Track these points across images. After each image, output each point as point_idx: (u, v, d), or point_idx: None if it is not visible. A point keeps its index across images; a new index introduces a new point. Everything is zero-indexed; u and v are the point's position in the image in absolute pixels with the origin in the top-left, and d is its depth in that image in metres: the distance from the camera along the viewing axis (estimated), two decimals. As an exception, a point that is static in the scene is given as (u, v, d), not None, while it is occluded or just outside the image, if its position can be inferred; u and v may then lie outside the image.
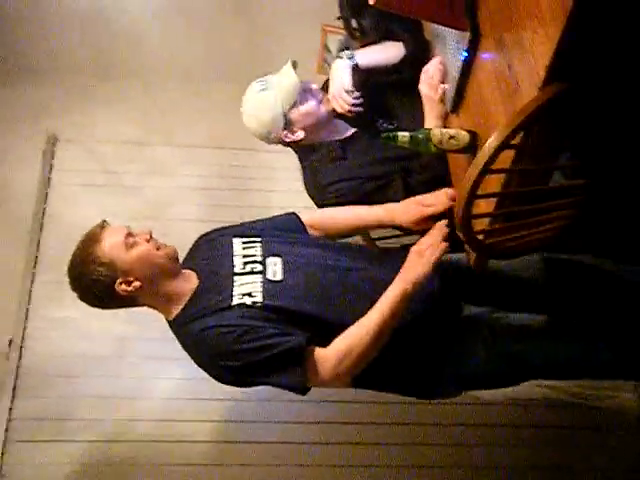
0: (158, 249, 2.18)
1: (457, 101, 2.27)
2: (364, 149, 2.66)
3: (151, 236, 2.19)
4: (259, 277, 2.16)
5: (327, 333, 2.07)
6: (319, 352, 2.04)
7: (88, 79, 4.30)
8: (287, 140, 2.69)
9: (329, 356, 2.03)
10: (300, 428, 3.41)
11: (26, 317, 3.62)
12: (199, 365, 2.15)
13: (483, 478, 3.31)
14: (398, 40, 2.77)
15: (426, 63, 2.49)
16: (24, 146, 4.11)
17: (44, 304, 3.65)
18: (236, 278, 2.16)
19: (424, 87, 2.48)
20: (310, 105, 2.66)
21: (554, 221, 1.91)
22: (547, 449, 3.33)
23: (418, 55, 2.67)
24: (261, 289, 2.12)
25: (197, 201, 4.00)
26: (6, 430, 3.35)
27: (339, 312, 2.14)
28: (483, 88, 2.04)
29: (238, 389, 2.37)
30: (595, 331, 2.28)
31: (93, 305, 2.20)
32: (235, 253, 2.24)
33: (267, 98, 2.63)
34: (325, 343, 2.06)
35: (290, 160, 2.86)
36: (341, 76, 2.67)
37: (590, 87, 1.66)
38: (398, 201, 2.43)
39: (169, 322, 2.20)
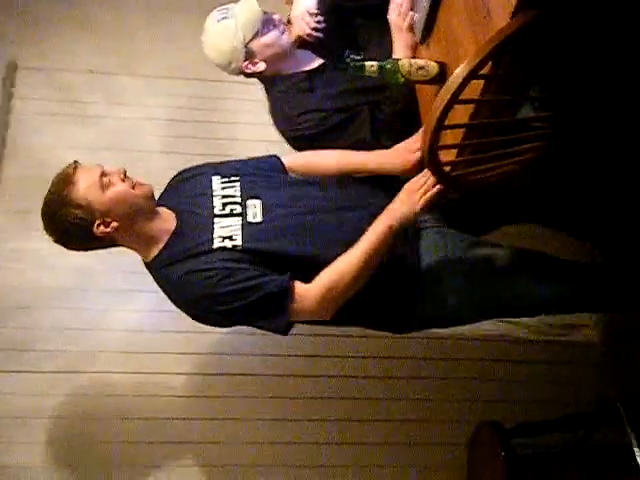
0: (134, 188, 2.13)
1: (426, 32, 2.22)
2: (332, 80, 2.62)
3: (125, 175, 2.14)
4: (239, 219, 2.15)
5: (309, 271, 2.08)
6: (302, 287, 2.06)
7: (50, 5, 4.18)
8: (248, 71, 2.64)
9: (313, 291, 2.06)
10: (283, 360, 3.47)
11: (-15, 248, 3.57)
12: (179, 307, 2.16)
13: (448, 411, 3.40)
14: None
15: None
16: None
17: (4, 235, 3.60)
18: (216, 220, 2.15)
19: (393, 15, 2.44)
20: (272, 36, 2.59)
21: (520, 154, 1.90)
22: (511, 384, 3.42)
23: None
24: (241, 232, 2.12)
25: (161, 132, 3.94)
26: (-33, 361, 3.34)
27: (321, 251, 2.14)
28: (453, 18, 2.01)
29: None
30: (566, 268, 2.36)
31: (70, 248, 2.19)
32: (215, 193, 2.22)
33: (227, 27, 2.57)
34: (307, 281, 2.07)
35: (256, 92, 2.81)
36: None
37: (560, 16, 1.63)
38: (364, 134, 2.43)
39: (146, 264, 2.19)
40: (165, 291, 2.16)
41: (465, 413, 3.35)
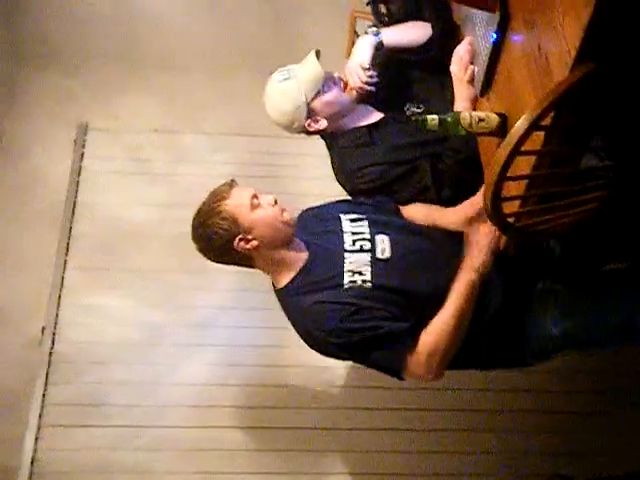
0: (282, 214, 2.27)
1: (486, 84, 2.25)
2: (392, 134, 2.63)
3: (276, 202, 2.28)
4: (368, 255, 2.26)
5: (429, 308, 2.18)
6: (413, 345, 2.14)
7: (117, 68, 4.32)
8: (311, 129, 2.68)
9: (420, 351, 2.14)
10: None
11: (58, 304, 3.65)
12: (301, 335, 2.26)
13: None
14: (426, 21, 2.75)
15: (455, 46, 2.48)
16: (56, 134, 4.14)
17: (76, 291, 3.69)
18: (346, 255, 2.26)
19: (454, 67, 2.48)
20: (333, 94, 2.63)
21: (585, 203, 1.89)
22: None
23: (446, 37, 2.65)
24: (370, 268, 2.22)
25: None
26: (40, 416, 3.41)
27: (438, 289, 2.21)
28: (513, 70, 2.03)
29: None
30: None
31: (210, 257, 2.30)
32: (344, 229, 2.34)
33: (289, 88, 2.62)
34: (426, 319, 2.17)
35: (319, 146, 2.83)
36: (361, 52, 2.66)
37: (620, 67, 1.64)
38: (426, 185, 2.45)
39: (277, 290, 2.31)
40: (290, 316, 2.28)
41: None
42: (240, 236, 2.19)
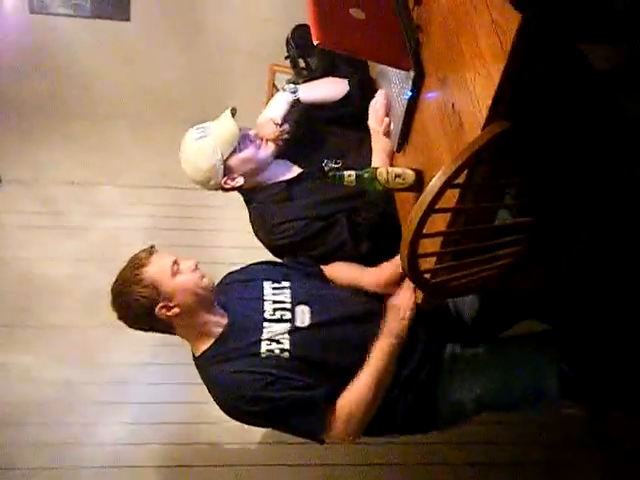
0: (202, 279, 2.24)
1: (403, 140, 2.27)
2: (311, 189, 2.64)
3: (196, 266, 2.26)
4: (287, 325, 2.24)
5: (344, 378, 2.19)
6: (331, 410, 2.14)
7: (34, 120, 4.26)
8: (227, 187, 2.66)
9: (338, 415, 2.14)
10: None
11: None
12: (219, 404, 2.22)
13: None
14: (343, 77, 2.78)
15: (371, 100, 2.50)
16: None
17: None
18: (266, 324, 2.24)
19: (372, 121, 2.50)
20: (249, 151, 2.62)
21: (500, 259, 1.90)
22: None
23: (362, 92, 2.68)
24: (289, 337, 2.21)
25: (145, 241, 3.92)
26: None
27: (355, 361, 2.21)
28: (428, 127, 2.05)
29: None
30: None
31: (130, 324, 2.25)
32: (266, 297, 2.32)
33: (205, 146, 2.60)
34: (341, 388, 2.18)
35: (237, 198, 2.81)
36: (275, 107, 2.68)
37: (532, 125, 1.66)
38: (344, 239, 2.45)
39: (195, 357, 2.27)
40: (208, 385, 2.23)
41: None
42: (161, 304, 2.16)
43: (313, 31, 2.02)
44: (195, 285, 2.21)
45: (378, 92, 2.49)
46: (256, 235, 2.69)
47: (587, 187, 1.94)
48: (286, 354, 2.17)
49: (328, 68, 2.96)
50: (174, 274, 2.19)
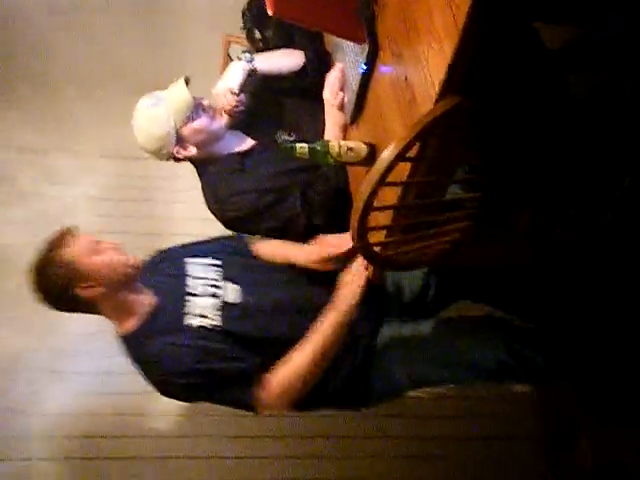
0: (123, 258, 2.21)
1: (356, 113, 2.28)
2: (264, 161, 2.64)
3: (116, 246, 2.23)
4: (216, 300, 2.23)
5: (280, 352, 2.16)
6: (266, 380, 2.11)
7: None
8: (179, 156, 2.66)
9: (273, 385, 2.11)
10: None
11: None
12: (149, 381, 2.19)
13: None
14: (299, 49, 2.77)
15: (327, 72, 2.50)
16: None
17: None
18: (191, 298, 2.22)
19: (326, 93, 2.50)
20: (202, 121, 2.61)
21: (450, 233, 1.92)
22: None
23: (318, 64, 2.67)
24: (217, 311, 2.20)
25: (97, 211, 3.93)
26: None
27: (291, 334, 2.19)
28: (381, 101, 2.06)
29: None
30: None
31: (53, 306, 2.20)
32: (188, 273, 2.31)
33: (158, 114, 2.58)
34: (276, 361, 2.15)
35: (192, 169, 2.80)
36: (231, 76, 2.65)
37: (484, 101, 1.68)
38: (297, 212, 2.47)
39: (121, 336, 2.22)
40: (136, 362, 2.19)
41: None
42: (83, 284, 2.13)
43: (268, 2, 2.01)
44: (115, 264, 2.18)
45: (335, 65, 2.49)
46: (208, 207, 2.68)
47: (534, 162, 1.97)
48: (217, 328, 2.17)
49: (284, 40, 2.94)
50: (93, 254, 2.16)
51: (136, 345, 2.18)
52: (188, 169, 2.79)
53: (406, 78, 1.83)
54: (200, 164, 2.71)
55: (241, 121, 2.71)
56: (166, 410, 3.37)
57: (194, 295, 2.23)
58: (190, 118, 2.58)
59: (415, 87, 1.78)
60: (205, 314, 2.18)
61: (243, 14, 3.33)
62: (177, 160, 2.69)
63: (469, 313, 2.50)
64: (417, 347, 2.33)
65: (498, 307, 2.45)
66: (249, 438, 3.35)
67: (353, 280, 2.20)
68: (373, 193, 1.65)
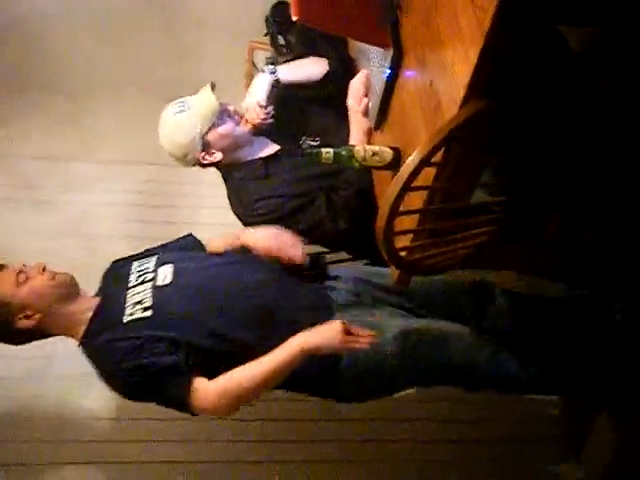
0: (53, 279, 2.22)
1: (381, 118, 2.28)
2: (289, 167, 2.65)
3: (44, 268, 2.23)
4: (149, 285, 2.22)
5: (219, 341, 2.12)
6: (202, 383, 2.06)
7: (7, 92, 4.21)
8: (205, 162, 2.67)
9: (211, 391, 2.05)
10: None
11: None
12: (105, 381, 2.15)
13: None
14: (323, 56, 2.78)
15: (351, 79, 2.51)
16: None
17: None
18: (129, 291, 2.23)
19: (350, 100, 2.51)
20: (228, 127, 2.64)
21: (475, 237, 1.92)
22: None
23: (342, 71, 2.68)
24: (151, 295, 2.18)
25: (120, 217, 3.95)
26: None
27: (225, 320, 2.16)
28: (406, 105, 2.06)
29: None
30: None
31: (7, 343, 2.24)
32: (131, 272, 2.30)
33: (184, 120, 2.61)
34: (214, 352, 2.11)
35: (217, 175, 2.81)
36: (258, 90, 2.67)
37: (509, 104, 1.68)
38: (321, 217, 2.50)
39: (79, 345, 2.22)
40: (94, 366, 2.16)
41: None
42: (19, 315, 2.15)
43: (292, 7, 2.03)
44: (47, 286, 2.19)
45: (360, 71, 2.50)
46: (233, 212, 2.70)
47: (562, 166, 1.96)
48: (148, 312, 2.13)
49: (307, 46, 2.96)
50: (20, 284, 2.17)
51: (87, 347, 2.18)
52: (213, 175, 2.80)
53: (431, 83, 1.83)
54: (225, 169, 2.72)
55: (266, 128, 2.72)
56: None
57: (132, 287, 2.23)
58: (216, 124, 2.61)
59: (440, 92, 1.78)
60: (139, 299, 2.17)
61: (267, 20, 3.35)
62: (203, 166, 2.71)
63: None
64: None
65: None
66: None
67: (351, 338, 2.04)
68: (399, 197, 1.65)
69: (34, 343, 2.28)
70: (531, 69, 1.71)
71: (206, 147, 2.62)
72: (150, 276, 2.25)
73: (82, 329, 2.19)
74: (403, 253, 1.88)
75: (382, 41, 2.13)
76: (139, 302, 2.16)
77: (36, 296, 2.17)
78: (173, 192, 4.01)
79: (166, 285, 2.21)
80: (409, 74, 2.04)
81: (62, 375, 3.29)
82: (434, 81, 1.82)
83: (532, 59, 1.69)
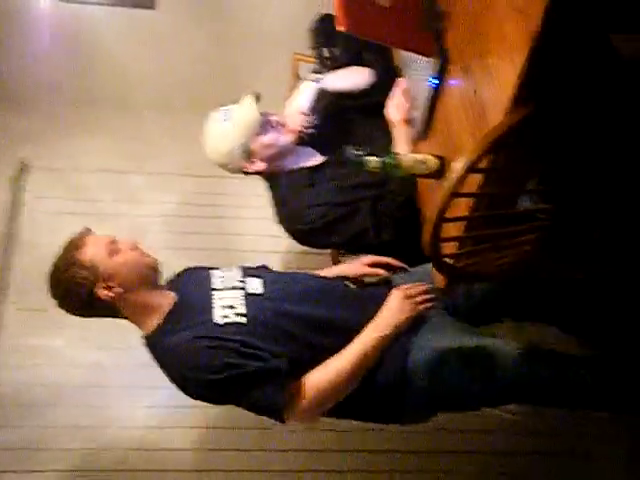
0: (142, 257, 2.21)
1: (426, 127, 2.28)
2: (333, 176, 2.66)
3: (136, 245, 2.22)
4: (240, 292, 2.19)
5: (309, 351, 2.11)
6: (296, 385, 2.04)
7: (61, 106, 4.30)
8: (248, 171, 2.70)
9: (306, 391, 2.04)
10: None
11: (-2, 345, 3.56)
12: (171, 378, 2.13)
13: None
14: (368, 66, 2.80)
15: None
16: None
17: (16, 332, 3.61)
18: (215, 293, 2.19)
19: (391, 110, 2.53)
20: (270, 136, 2.66)
21: (521, 245, 1.92)
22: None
23: (387, 81, 2.69)
24: (243, 301, 2.15)
25: (170, 229, 4.01)
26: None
27: (327, 314, 2.18)
28: (451, 114, 2.07)
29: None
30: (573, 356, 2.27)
31: (72, 311, 2.19)
32: (212, 276, 2.27)
33: (227, 129, 2.63)
34: (304, 359, 2.09)
35: (261, 186, 2.84)
36: (301, 98, 2.70)
37: (555, 112, 1.67)
38: (366, 227, 2.53)
39: (145, 337, 2.18)
40: (159, 361, 2.14)
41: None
42: (102, 284, 2.10)
43: (337, 17, 2.04)
44: (135, 263, 2.18)
45: (396, 81, 2.52)
46: (277, 221, 2.72)
47: (610, 176, 1.94)
48: (243, 319, 2.10)
49: (352, 57, 2.98)
50: (112, 253, 2.14)
51: (159, 342, 2.13)
52: (260, 186, 2.83)
53: (475, 91, 1.84)
54: (270, 178, 2.75)
55: (312, 137, 2.74)
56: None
57: (218, 290, 2.20)
58: (259, 133, 2.63)
59: (484, 100, 1.78)
60: (232, 304, 2.14)
61: (312, 32, 3.38)
62: (247, 174, 2.73)
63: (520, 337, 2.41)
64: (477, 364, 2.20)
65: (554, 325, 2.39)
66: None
67: (418, 298, 2.17)
68: (445, 204, 1.66)
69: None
70: (578, 76, 1.70)
71: (249, 156, 2.65)
72: (239, 284, 2.22)
73: (154, 322, 2.15)
74: (449, 260, 1.88)
75: (427, 50, 2.14)
76: (231, 307, 2.13)
77: (126, 269, 2.14)
78: (221, 203, 4.06)
79: (259, 295, 2.20)
80: (453, 82, 2.04)
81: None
82: (478, 89, 1.82)
83: (579, 66, 1.68)
